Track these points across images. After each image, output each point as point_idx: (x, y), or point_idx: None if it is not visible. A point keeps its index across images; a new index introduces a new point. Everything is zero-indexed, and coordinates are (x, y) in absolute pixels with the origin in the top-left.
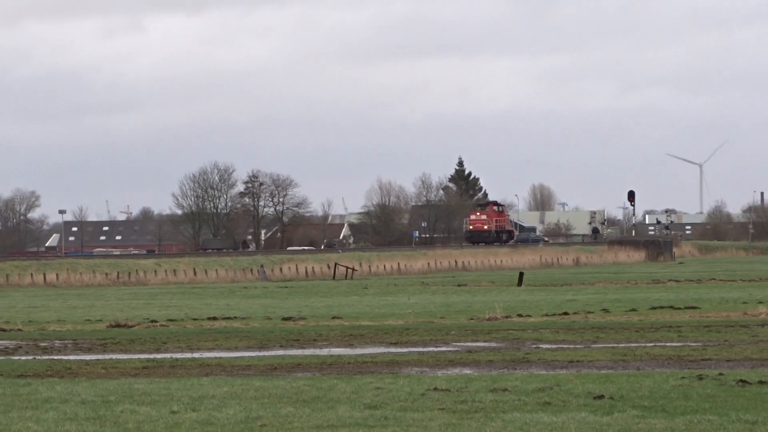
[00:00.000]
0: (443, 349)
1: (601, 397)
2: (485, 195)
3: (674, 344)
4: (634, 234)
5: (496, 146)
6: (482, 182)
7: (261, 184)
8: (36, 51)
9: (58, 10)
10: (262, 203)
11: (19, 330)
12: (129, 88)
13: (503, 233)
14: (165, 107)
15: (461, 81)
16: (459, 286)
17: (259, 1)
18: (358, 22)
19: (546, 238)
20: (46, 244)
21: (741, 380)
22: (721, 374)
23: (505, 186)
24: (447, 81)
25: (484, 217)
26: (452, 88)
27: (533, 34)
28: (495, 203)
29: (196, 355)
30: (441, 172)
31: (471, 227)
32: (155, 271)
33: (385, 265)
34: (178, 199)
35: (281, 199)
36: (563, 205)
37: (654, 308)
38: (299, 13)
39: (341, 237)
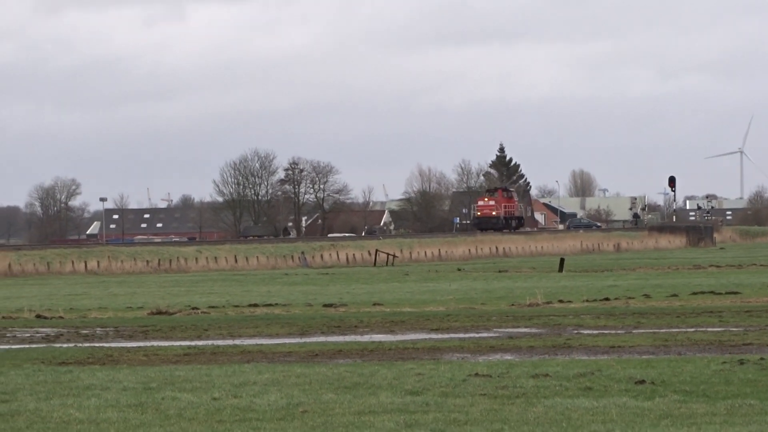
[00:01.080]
0: (484, 335)
1: (642, 382)
2: (526, 181)
3: (715, 329)
4: (674, 220)
5: (537, 132)
6: (523, 168)
7: (301, 171)
8: (77, 40)
9: None
10: (302, 190)
11: (61, 318)
12: (169, 76)
13: (513, 219)
14: (205, 95)
15: (501, 67)
16: (500, 272)
17: None
18: (398, 9)
19: (598, 224)
20: (87, 232)
21: None
22: (762, 359)
23: (546, 172)
24: (487, 67)
25: (492, 203)
26: (492, 75)
27: (573, 21)
28: (504, 189)
29: (237, 341)
30: (481, 159)
31: (479, 213)
32: (196, 259)
33: (425, 252)
34: (218, 187)
35: (322, 186)
36: (604, 191)
37: (695, 293)
38: (339, 0)
39: (382, 223)
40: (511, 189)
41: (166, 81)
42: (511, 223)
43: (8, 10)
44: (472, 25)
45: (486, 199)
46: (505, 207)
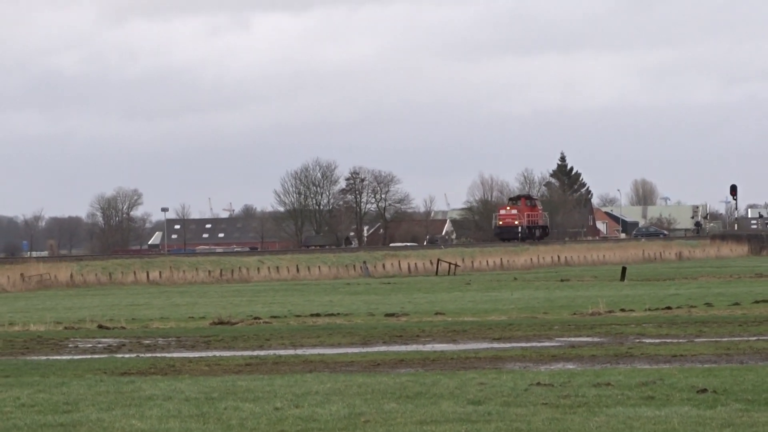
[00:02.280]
0: (546, 344)
1: (705, 391)
2: (588, 190)
3: None
4: (736, 228)
5: (599, 141)
6: (584, 177)
7: (363, 180)
8: (141, 50)
9: (164, 9)
10: (364, 199)
11: (123, 328)
12: (233, 86)
13: (536, 229)
14: (268, 105)
15: (563, 76)
16: (561, 281)
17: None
18: (461, 19)
19: (665, 232)
20: (149, 242)
21: None
22: None
23: (607, 181)
24: (549, 77)
25: (514, 212)
26: (554, 84)
27: (635, 29)
28: (527, 197)
29: (299, 351)
30: (543, 167)
31: (500, 223)
32: (258, 269)
33: (487, 261)
34: (280, 196)
35: (383, 196)
36: (665, 199)
37: (757, 302)
38: (403, 10)
39: (444, 233)
40: (535, 197)
41: (230, 91)
42: (535, 233)
43: (73, 21)
44: (534, 34)
45: (508, 208)
46: (528, 216)
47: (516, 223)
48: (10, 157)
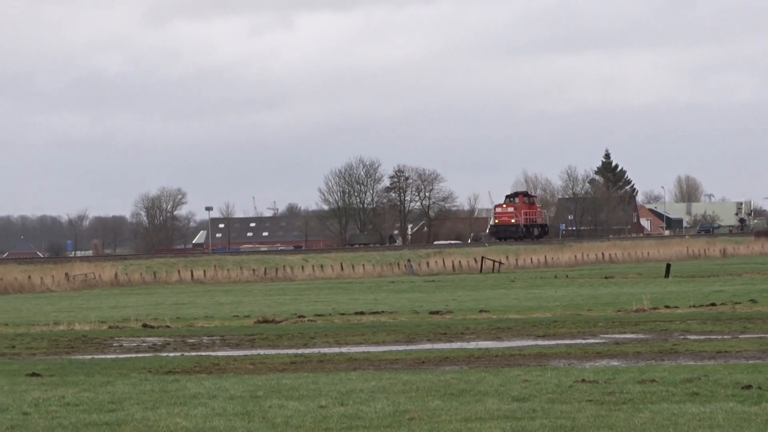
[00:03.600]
0: (590, 341)
1: (749, 387)
2: (633, 188)
3: None
4: None
5: (642, 138)
6: (629, 174)
7: (407, 178)
8: (184, 50)
9: (207, 9)
10: (408, 198)
11: (167, 327)
12: (276, 84)
13: (534, 227)
14: (311, 103)
15: (606, 74)
16: (606, 278)
17: None
18: (503, 18)
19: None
20: (193, 241)
21: None
22: None
23: (651, 178)
24: (591, 74)
25: (511, 209)
26: (597, 81)
27: (678, 27)
28: (525, 194)
29: (344, 349)
30: (587, 165)
31: (496, 221)
32: (302, 267)
33: (531, 258)
34: (324, 195)
35: (427, 194)
36: (709, 196)
37: None
38: (446, 9)
39: (488, 230)
40: (533, 195)
41: (272, 90)
42: (533, 232)
43: (117, 22)
44: (577, 31)
45: (504, 206)
46: (525, 214)
47: (513, 221)
48: (54, 157)
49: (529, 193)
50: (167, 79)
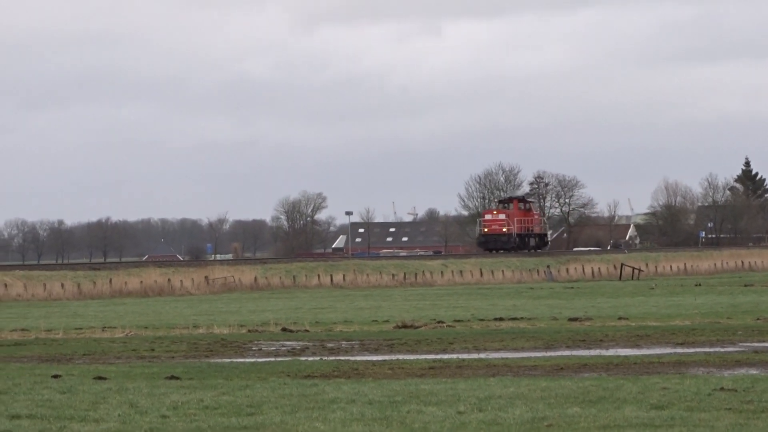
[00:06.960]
0: (729, 349)
1: None
2: None
3: None
4: None
5: None
6: None
7: (546, 184)
8: (332, 56)
9: (355, 15)
10: (548, 204)
11: (306, 331)
12: (420, 91)
13: (530, 237)
14: (453, 110)
15: (749, 82)
16: (746, 286)
17: (553, 6)
18: (647, 26)
19: None
20: (333, 246)
21: None
22: None
23: None
24: (735, 82)
25: (502, 216)
26: (740, 89)
27: None
28: (521, 199)
29: (483, 355)
30: (727, 173)
31: (485, 230)
32: (441, 272)
33: (671, 266)
34: (463, 200)
35: (567, 200)
36: None
37: None
38: (591, 18)
39: (627, 237)
40: (530, 200)
41: (417, 96)
42: (528, 242)
43: (268, 28)
44: (720, 40)
45: (495, 213)
46: (519, 222)
47: (504, 230)
48: (197, 160)
49: (526, 198)
50: (313, 85)
